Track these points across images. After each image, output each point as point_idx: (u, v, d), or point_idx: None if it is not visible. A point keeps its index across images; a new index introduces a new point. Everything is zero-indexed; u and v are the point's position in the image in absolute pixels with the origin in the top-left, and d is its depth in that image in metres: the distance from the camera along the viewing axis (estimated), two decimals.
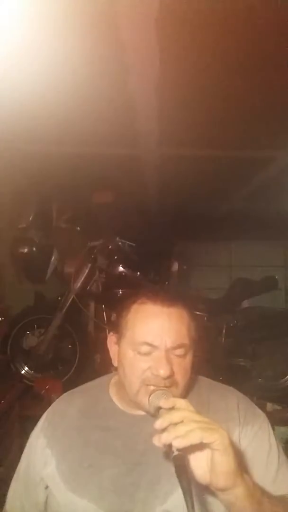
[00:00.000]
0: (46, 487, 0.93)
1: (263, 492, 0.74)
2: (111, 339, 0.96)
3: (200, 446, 0.67)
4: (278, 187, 3.14)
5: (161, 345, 0.85)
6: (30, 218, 2.88)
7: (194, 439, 0.64)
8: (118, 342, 0.92)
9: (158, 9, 1.10)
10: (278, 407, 2.53)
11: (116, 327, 0.94)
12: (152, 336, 0.86)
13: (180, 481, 0.63)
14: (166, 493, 0.82)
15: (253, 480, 0.73)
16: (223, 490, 0.68)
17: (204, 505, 0.81)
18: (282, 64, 1.39)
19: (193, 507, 0.61)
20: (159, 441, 0.66)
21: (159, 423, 0.68)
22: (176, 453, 0.65)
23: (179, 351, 0.86)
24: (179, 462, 0.65)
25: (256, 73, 1.47)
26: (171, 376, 0.83)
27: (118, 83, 1.53)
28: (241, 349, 3.06)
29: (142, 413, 0.90)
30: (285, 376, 3.07)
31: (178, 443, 0.64)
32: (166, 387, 0.83)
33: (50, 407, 1.04)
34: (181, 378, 0.86)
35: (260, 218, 4.35)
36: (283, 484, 0.84)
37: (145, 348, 0.86)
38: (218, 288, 4.24)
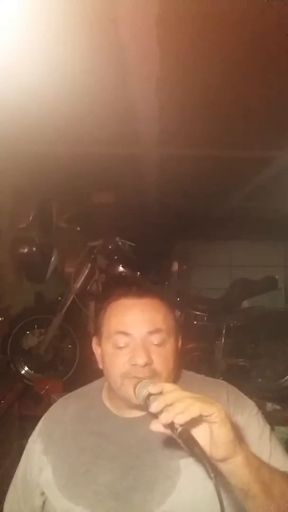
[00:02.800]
0: (42, 493, 0.93)
1: (262, 462, 0.76)
2: (94, 342, 0.97)
3: (197, 422, 0.69)
4: (278, 187, 3.14)
5: (136, 333, 0.86)
6: (30, 218, 2.88)
7: (194, 412, 0.66)
8: (100, 342, 0.94)
9: (158, 9, 1.10)
10: (278, 407, 2.53)
11: (97, 328, 0.96)
12: (126, 325, 0.88)
13: (193, 451, 0.65)
14: (163, 495, 0.82)
15: (250, 450, 0.75)
16: (223, 460, 0.70)
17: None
18: (282, 64, 1.39)
19: (213, 471, 0.63)
20: (160, 422, 0.67)
21: (155, 406, 0.69)
22: (180, 428, 0.67)
23: (156, 338, 0.87)
24: (185, 435, 0.67)
25: (256, 73, 1.47)
26: (148, 363, 0.84)
27: (118, 83, 1.53)
28: (241, 349, 3.06)
29: (135, 416, 0.91)
30: (285, 376, 3.07)
31: (179, 419, 0.65)
32: (148, 377, 0.82)
33: (46, 413, 1.04)
34: (162, 367, 0.86)
35: (260, 218, 4.36)
36: (277, 465, 0.84)
37: (120, 338, 0.87)
38: (218, 288, 4.24)
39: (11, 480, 1.02)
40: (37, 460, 0.95)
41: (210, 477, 0.63)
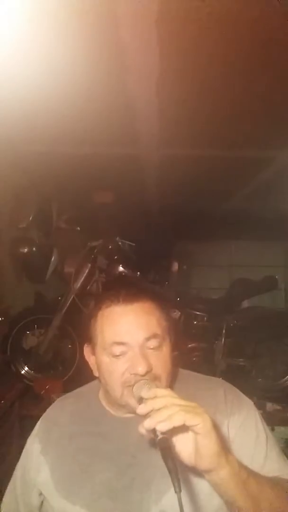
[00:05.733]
0: (40, 494, 0.94)
1: (250, 473, 0.74)
2: (86, 350, 0.94)
3: (184, 429, 0.68)
4: (278, 187, 3.14)
5: (132, 342, 0.84)
6: (30, 218, 2.88)
7: (176, 421, 0.65)
8: (93, 351, 0.91)
9: (158, 9, 1.10)
10: (278, 407, 2.53)
11: (89, 337, 0.92)
12: (121, 334, 0.85)
13: (166, 462, 0.64)
14: (160, 493, 0.82)
15: (239, 461, 0.73)
16: (207, 471, 0.70)
17: (191, 486, 0.82)
18: (281, 64, 1.39)
19: (179, 486, 0.62)
20: (143, 427, 0.66)
21: (141, 408, 0.69)
22: (160, 436, 0.66)
23: (153, 343, 0.85)
24: (163, 445, 0.65)
25: (256, 73, 1.47)
26: (149, 371, 0.82)
27: (118, 83, 1.53)
28: (241, 349, 3.05)
29: (132, 415, 0.90)
30: (285, 376, 3.07)
31: (161, 427, 0.64)
32: (146, 379, 0.81)
33: (44, 413, 1.04)
34: (161, 371, 0.84)
35: (260, 218, 4.36)
36: (271, 468, 0.85)
37: (117, 349, 0.84)
38: (218, 288, 4.24)
39: (10, 479, 1.03)
40: (35, 460, 0.95)
41: (175, 491, 0.62)
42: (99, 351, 0.88)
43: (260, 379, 3.06)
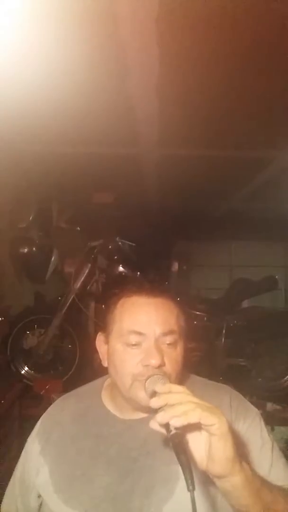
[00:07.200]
0: (39, 496, 0.92)
1: (263, 482, 0.71)
2: (99, 339, 0.94)
3: (198, 429, 0.65)
4: (278, 187, 3.14)
5: (150, 333, 0.84)
6: (30, 218, 2.88)
7: (192, 418, 0.62)
8: (107, 340, 0.91)
9: (158, 9, 1.10)
10: (278, 407, 2.53)
11: (104, 325, 0.93)
12: (140, 324, 0.85)
13: (179, 458, 0.62)
14: (161, 500, 0.80)
15: (252, 469, 0.70)
16: (219, 477, 0.66)
17: (204, 490, 0.79)
18: (282, 64, 1.39)
19: (192, 483, 0.60)
20: (156, 421, 0.65)
21: (154, 402, 0.67)
22: (174, 431, 0.63)
23: (169, 339, 0.85)
24: (177, 440, 0.63)
25: (256, 74, 1.47)
26: (162, 365, 0.81)
27: (118, 84, 1.53)
28: (241, 349, 3.06)
29: (135, 418, 0.89)
30: (285, 376, 3.07)
31: (175, 422, 0.62)
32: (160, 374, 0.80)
33: (45, 413, 1.02)
34: (172, 369, 0.84)
35: (260, 218, 4.36)
36: (277, 477, 0.82)
37: (133, 338, 0.84)
38: (218, 288, 4.24)
39: (10, 480, 1.02)
40: (35, 461, 0.93)
41: (188, 489, 0.59)
42: (113, 339, 0.88)
43: (260, 379, 3.06)
